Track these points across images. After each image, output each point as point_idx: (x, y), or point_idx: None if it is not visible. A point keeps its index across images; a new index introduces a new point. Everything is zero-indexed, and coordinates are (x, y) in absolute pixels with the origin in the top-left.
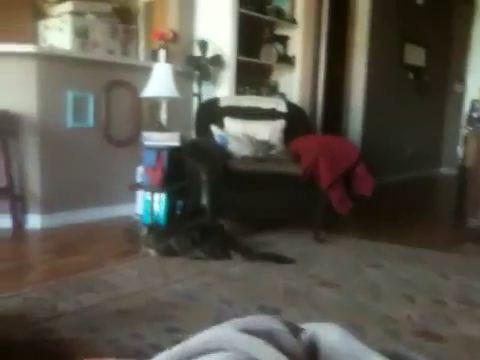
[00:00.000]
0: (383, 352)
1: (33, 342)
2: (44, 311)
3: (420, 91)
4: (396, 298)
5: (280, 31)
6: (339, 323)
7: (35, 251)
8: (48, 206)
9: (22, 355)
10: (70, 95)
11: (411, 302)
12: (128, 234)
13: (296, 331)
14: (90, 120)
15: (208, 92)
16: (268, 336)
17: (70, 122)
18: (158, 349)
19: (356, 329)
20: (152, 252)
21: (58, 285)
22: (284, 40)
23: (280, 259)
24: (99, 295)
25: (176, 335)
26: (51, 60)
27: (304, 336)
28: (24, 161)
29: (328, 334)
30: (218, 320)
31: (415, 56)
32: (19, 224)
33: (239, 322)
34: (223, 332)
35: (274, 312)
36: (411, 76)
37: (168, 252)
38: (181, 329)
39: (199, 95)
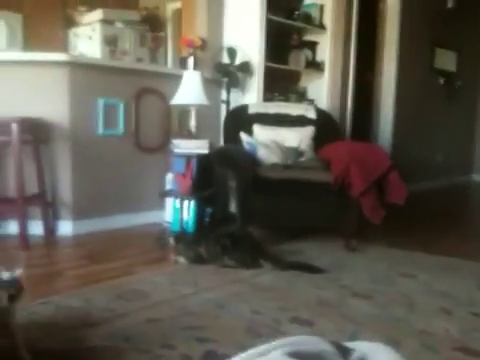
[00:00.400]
0: None
1: (66, 350)
2: (76, 319)
3: (451, 96)
4: (432, 310)
5: (308, 37)
6: (374, 336)
7: (66, 258)
8: (79, 213)
9: None
10: (101, 103)
11: (448, 315)
12: (158, 241)
13: (345, 352)
14: (120, 127)
15: (236, 99)
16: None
17: (101, 129)
18: (189, 359)
19: (391, 343)
20: (182, 260)
21: (90, 292)
22: (313, 46)
23: (310, 269)
24: (130, 303)
25: (207, 345)
26: (82, 68)
27: (353, 358)
28: (56, 168)
29: (378, 356)
30: (249, 330)
31: (446, 61)
32: (51, 231)
33: (287, 344)
34: (276, 357)
35: (307, 324)
36: (441, 81)
37: (197, 260)
38: (212, 339)
39: (227, 102)
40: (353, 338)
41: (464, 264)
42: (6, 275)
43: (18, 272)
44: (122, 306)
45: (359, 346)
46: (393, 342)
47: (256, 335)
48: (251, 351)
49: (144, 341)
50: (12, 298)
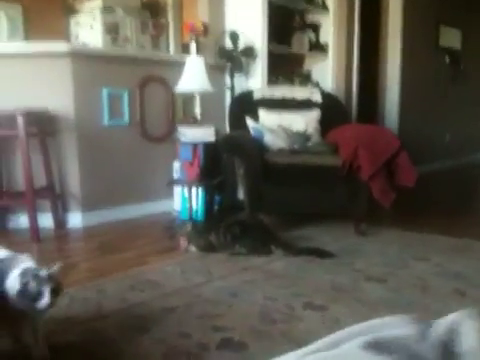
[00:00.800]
0: None
1: (83, 343)
2: (91, 311)
3: (457, 75)
4: (446, 292)
5: (311, 18)
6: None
7: (78, 250)
8: (88, 204)
9: (71, 356)
10: (105, 92)
11: (462, 296)
12: (168, 231)
13: (426, 329)
14: (126, 117)
15: (240, 84)
16: (397, 349)
17: (106, 120)
18: (205, 348)
19: None
20: (193, 248)
21: (103, 284)
22: (316, 28)
23: (322, 254)
24: (144, 293)
25: (223, 333)
26: (85, 58)
27: (438, 334)
28: (63, 160)
29: (465, 331)
30: (264, 317)
31: (451, 39)
32: (60, 223)
33: (366, 330)
34: (350, 351)
35: (320, 309)
36: (447, 60)
37: (208, 248)
38: (227, 327)
39: (232, 87)
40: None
41: (477, 245)
42: (44, 272)
43: (56, 267)
44: (136, 296)
45: (446, 321)
46: None
47: (270, 321)
48: (325, 339)
49: (159, 330)
50: (55, 292)
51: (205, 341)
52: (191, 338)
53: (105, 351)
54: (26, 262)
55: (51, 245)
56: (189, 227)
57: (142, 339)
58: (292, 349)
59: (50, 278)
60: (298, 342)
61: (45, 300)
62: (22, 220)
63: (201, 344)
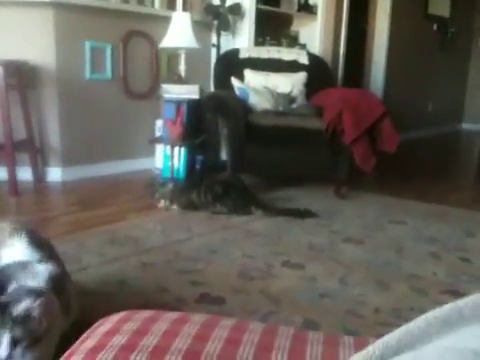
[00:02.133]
0: None
1: None
2: (69, 264)
3: (444, 44)
4: (421, 255)
5: None
6: (364, 280)
7: (57, 204)
8: (68, 159)
9: None
10: (87, 45)
11: (436, 259)
12: (148, 188)
13: None
14: (108, 72)
15: (227, 43)
16: None
17: (88, 74)
18: (184, 302)
19: (381, 286)
20: (173, 206)
21: (82, 238)
22: None
23: (302, 214)
24: (123, 248)
25: (201, 288)
26: (68, 9)
27: None
28: (43, 114)
29: None
30: (242, 274)
31: (439, 6)
32: (40, 177)
33: (440, 327)
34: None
35: (298, 267)
36: (435, 27)
37: (189, 206)
38: (206, 282)
39: (218, 46)
40: (343, 281)
41: (453, 211)
42: (19, 307)
43: (37, 304)
44: (115, 251)
45: None
46: (383, 285)
47: (249, 278)
48: (394, 334)
49: (138, 285)
50: (17, 342)
51: (183, 296)
52: (169, 292)
53: (82, 302)
54: (33, 276)
55: (29, 199)
56: (169, 187)
57: (120, 292)
58: (269, 305)
59: (17, 322)
60: (274, 298)
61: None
62: (1, 173)
63: (179, 298)
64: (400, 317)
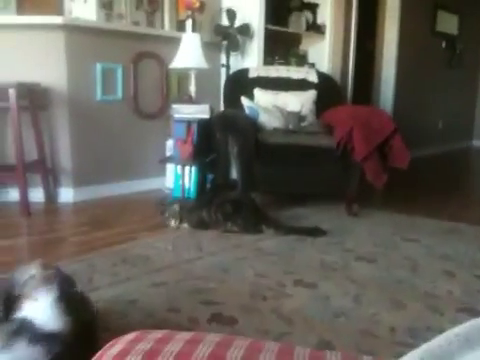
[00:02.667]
0: None
1: None
2: (80, 283)
3: (452, 61)
4: (435, 273)
5: None
6: (378, 299)
7: (68, 224)
8: (79, 180)
9: None
10: (98, 67)
11: (451, 277)
12: (159, 208)
13: None
14: (119, 93)
15: (236, 63)
16: None
17: (99, 95)
18: (195, 322)
19: (396, 305)
20: (184, 225)
21: (93, 258)
22: (313, 8)
23: (313, 232)
24: (134, 268)
25: (213, 307)
26: (79, 31)
27: None
28: (55, 135)
29: None
30: (254, 293)
31: (448, 24)
32: (51, 197)
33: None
34: None
35: (311, 286)
36: (443, 45)
37: (199, 225)
38: (218, 302)
39: (227, 66)
40: (357, 300)
41: (467, 228)
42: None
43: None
44: (126, 270)
45: None
46: (397, 304)
47: (261, 298)
48: (430, 345)
49: (149, 304)
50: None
51: (195, 315)
52: (181, 312)
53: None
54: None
55: (41, 219)
56: (180, 206)
57: (131, 312)
58: (282, 325)
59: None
60: (288, 318)
61: None
62: (12, 194)
63: (191, 318)
64: (416, 337)
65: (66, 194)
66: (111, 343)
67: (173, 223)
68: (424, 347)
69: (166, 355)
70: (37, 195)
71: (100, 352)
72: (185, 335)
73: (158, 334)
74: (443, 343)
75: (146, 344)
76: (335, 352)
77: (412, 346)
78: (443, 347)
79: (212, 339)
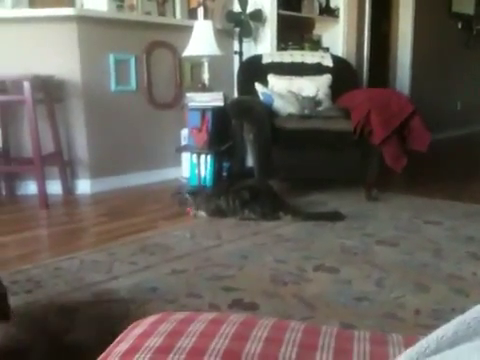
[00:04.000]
0: None
1: (92, 303)
2: (101, 273)
3: (469, 41)
4: (459, 255)
5: None
6: (401, 282)
7: (87, 215)
8: (96, 171)
9: (83, 316)
10: (112, 58)
11: (476, 259)
12: (176, 197)
13: None
14: (133, 83)
15: (249, 50)
16: None
17: (113, 86)
18: (217, 308)
19: (420, 288)
20: (202, 214)
21: (113, 247)
22: None
23: (332, 217)
24: (153, 256)
25: (233, 294)
26: (91, 22)
27: None
28: (71, 127)
29: None
30: (274, 279)
31: (464, 4)
32: (69, 189)
33: None
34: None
35: (332, 271)
36: (460, 25)
37: (217, 213)
38: (238, 288)
39: (240, 53)
40: (380, 284)
41: None
42: None
43: None
44: (146, 259)
45: None
46: (421, 287)
47: (281, 283)
48: (438, 332)
49: (170, 291)
50: None
51: (216, 302)
52: (202, 298)
53: (115, 311)
54: None
55: (60, 211)
56: (197, 195)
57: (152, 299)
58: (303, 309)
59: None
60: (309, 303)
61: None
62: (30, 187)
63: (212, 304)
64: (441, 319)
65: (83, 186)
66: (133, 325)
67: (191, 211)
68: (459, 319)
69: (189, 335)
70: (55, 187)
71: (122, 334)
72: (208, 316)
73: (181, 315)
74: (478, 315)
75: (169, 325)
76: (363, 331)
77: (437, 328)
78: (478, 319)
79: (236, 319)
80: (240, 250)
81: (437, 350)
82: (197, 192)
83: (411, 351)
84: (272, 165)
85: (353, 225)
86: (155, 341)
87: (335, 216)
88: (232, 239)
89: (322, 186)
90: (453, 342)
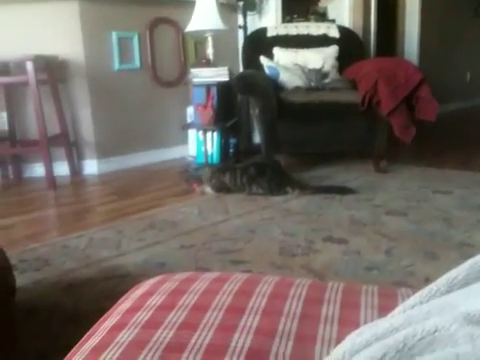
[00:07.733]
0: None
1: (101, 278)
2: (110, 249)
3: (478, 9)
4: (470, 224)
5: None
6: (411, 251)
7: (94, 195)
8: (103, 151)
9: (92, 291)
10: (114, 36)
11: None
12: (183, 175)
13: None
14: (136, 61)
15: (253, 23)
16: None
17: (117, 64)
18: None
19: (430, 256)
20: (209, 190)
21: (121, 225)
22: None
23: (340, 190)
24: (162, 232)
25: (242, 266)
26: (93, 0)
27: None
28: (75, 107)
29: None
30: (282, 251)
31: None
32: (76, 170)
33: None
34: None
35: (341, 242)
36: None
37: (224, 189)
38: (246, 261)
39: (244, 27)
40: (389, 254)
41: None
42: None
43: None
44: (154, 235)
45: None
46: (432, 255)
47: (290, 255)
48: (411, 300)
49: (179, 265)
50: None
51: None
52: (211, 271)
53: (123, 285)
54: None
55: (67, 191)
56: (204, 172)
57: (161, 273)
58: (313, 280)
59: None
60: (319, 273)
61: None
62: (37, 169)
63: None
64: None
65: (90, 166)
66: (136, 286)
67: (198, 188)
68: (470, 262)
69: (192, 293)
70: (62, 169)
71: (125, 295)
72: (211, 275)
73: (183, 275)
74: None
75: (171, 284)
76: (372, 286)
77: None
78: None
79: (240, 277)
80: (248, 224)
81: (448, 291)
82: (204, 169)
83: (420, 294)
84: (279, 140)
85: (362, 197)
86: (157, 299)
87: (343, 190)
88: (240, 214)
89: (330, 160)
90: (465, 284)
